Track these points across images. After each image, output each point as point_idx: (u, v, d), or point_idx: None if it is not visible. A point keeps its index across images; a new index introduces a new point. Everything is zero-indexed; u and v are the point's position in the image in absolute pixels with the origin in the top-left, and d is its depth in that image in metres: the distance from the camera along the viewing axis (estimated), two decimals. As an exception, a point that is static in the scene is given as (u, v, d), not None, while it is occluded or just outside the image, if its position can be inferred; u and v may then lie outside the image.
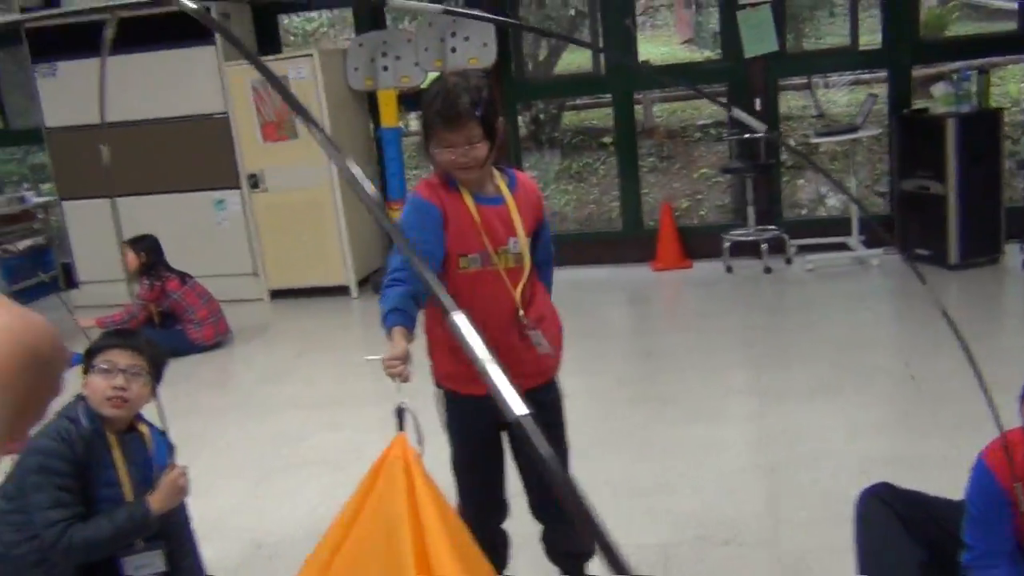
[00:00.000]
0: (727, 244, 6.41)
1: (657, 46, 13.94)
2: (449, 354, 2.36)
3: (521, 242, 2.33)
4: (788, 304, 5.71)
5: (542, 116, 11.50)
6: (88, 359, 2.50)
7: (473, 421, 2.39)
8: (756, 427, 3.86)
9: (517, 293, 2.33)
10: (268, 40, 7.04)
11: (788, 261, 6.36)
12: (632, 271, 6.67)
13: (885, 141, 7.04)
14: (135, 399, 2.46)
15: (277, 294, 6.85)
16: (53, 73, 6.78)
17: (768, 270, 6.22)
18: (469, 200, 2.29)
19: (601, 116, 11.58)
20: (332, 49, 6.87)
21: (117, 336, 2.60)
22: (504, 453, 2.49)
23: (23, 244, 7.56)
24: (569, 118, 12.07)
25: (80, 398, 2.50)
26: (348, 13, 7.70)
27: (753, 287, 6.08)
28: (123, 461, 2.48)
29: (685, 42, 14.20)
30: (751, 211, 6.41)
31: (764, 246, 6.29)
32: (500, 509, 2.57)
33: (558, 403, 2.53)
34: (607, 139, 11.49)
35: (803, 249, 6.36)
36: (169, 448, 2.64)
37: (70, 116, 6.84)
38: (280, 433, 4.33)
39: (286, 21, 9.68)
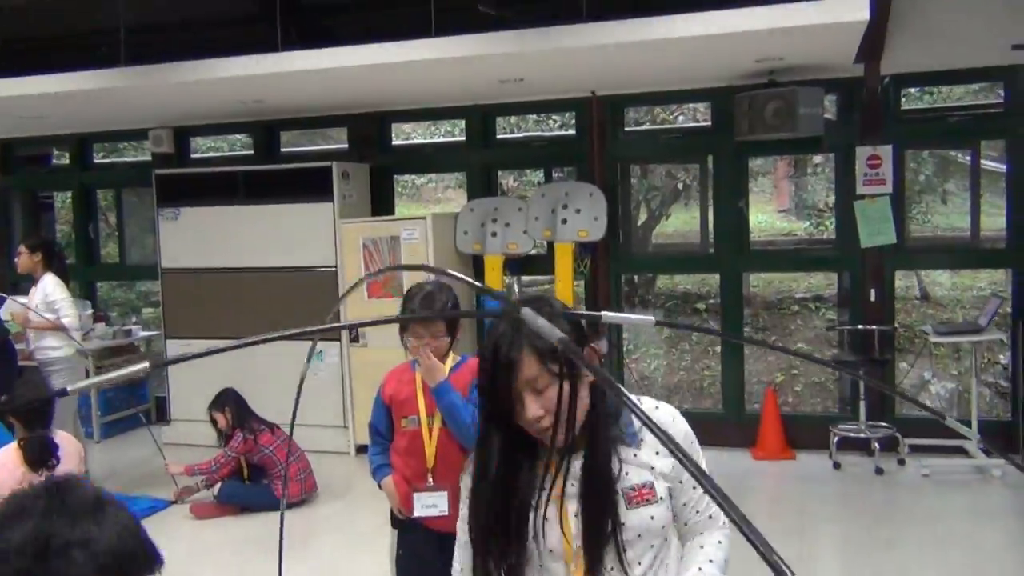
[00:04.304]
0: (835, 438, 6.11)
1: (754, 212, 13.92)
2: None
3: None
4: (903, 514, 5.32)
5: (636, 278, 11.46)
6: None
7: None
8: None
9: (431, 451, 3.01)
10: (383, 197, 7.22)
11: (901, 462, 6.00)
12: (731, 457, 6.38)
13: (1008, 343, 6.72)
14: None
15: (363, 448, 6.75)
16: (176, 217, 7.04)
17: (880, 471, 5.87)
18: (419, 376, 3.00)
19: (695, 281, 11.47)
20: (444, 213, 6.98)
21: None
22: None
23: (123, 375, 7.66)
24: (663, 282, 12.01)
25: None
26: (462, 175, 7.88)
27: (863, 489, 5.72)
28: None
29: (782, 211, 14.16)
30: (863, 405, 6.11)
31: (876, 445, 5.96)
32: None
33: None
34: (701, 305, 11.36)
35: (917, 450, 6.01)
36: None
37: (185, 259, 7.07)
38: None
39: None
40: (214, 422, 5.70)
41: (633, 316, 1.28)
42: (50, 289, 5.87)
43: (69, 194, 8.49)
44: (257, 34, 6.13)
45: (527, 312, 0.90)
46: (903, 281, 11.13)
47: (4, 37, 6.53)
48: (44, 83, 6.09)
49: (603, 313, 1.11)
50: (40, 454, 3.79)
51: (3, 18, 6.44)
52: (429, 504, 2.94)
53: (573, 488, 1.72)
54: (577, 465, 1.72)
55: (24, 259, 5.96)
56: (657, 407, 1.81)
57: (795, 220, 13.43)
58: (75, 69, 6.04)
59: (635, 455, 1.74)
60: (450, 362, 2.99)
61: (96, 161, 8.49)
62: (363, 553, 4.93)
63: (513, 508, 1.72)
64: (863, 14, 4.45)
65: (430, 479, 2.98)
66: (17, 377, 6.00)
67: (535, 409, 1.64)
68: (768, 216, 13.98)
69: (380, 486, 3.12)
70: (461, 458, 2.97)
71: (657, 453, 1.74)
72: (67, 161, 8.34)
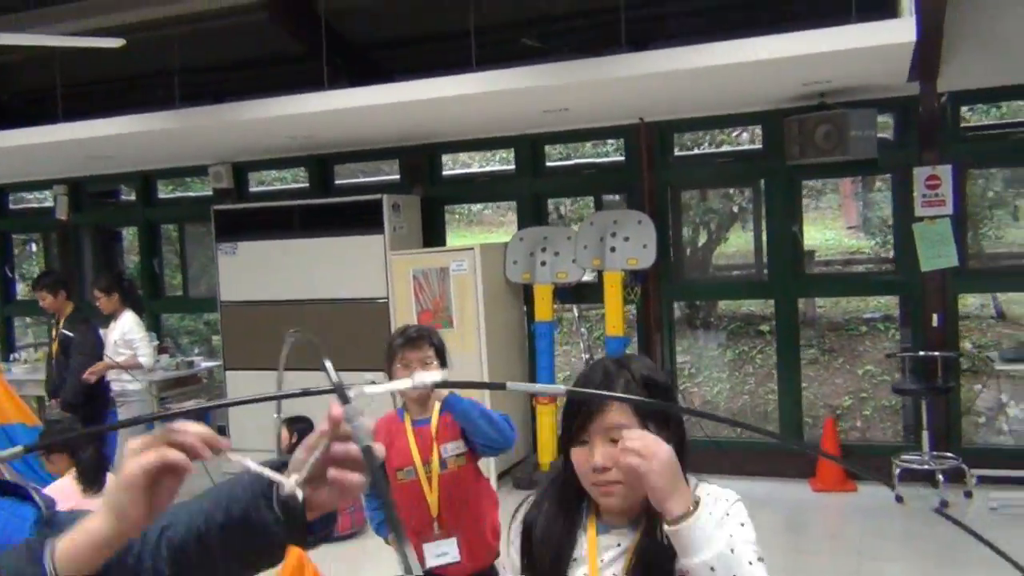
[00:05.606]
0: (898, 470, 5.89)
1: (821, 230, 13.62)
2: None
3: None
4: (969, 553, 5.08)
5: (698, 301, 11.31)
6: None
7: None
8: None
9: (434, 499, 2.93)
10: (435, 228, 7.27)
11: (968, 495, 5.76)
12: (790, 489, 6.21)
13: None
14: None
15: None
16: (234, 251, 7.21)
17: (945, 504, 5.63)
18: (409, 424, 2.99)
19: (759, 304, 11.27)
20: (493, 243, 7.00)
21: None
22: None
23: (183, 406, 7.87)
24: (726, 303, 11.82)
25: None
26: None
27: (928, 524, 5.49)
28: None
29: (851, 228, 13.82)
30: (926, 435, 5.89)
31: (940, 476, 5.73)
32: None
33: None
34: (765, 327, 11.13)
35: (985, 481, 5.76)
36: None
37: (243, 291, 7.23)
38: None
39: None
40: (279, 436, 5.79)
41: (539, 386, 1.27)
42: (128, 327, 6.20)
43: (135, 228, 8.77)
44: (306, 72, 6.26)
45: (351, 409, 0.91)
46: (978, 299, 10.74)
47: (66, 83, 6.80)
48: (108, 125, 6.31)
49: (508, 384, 1.14)
50: (95, 474, 3.91)
51: (64, 65, 6.70)
52: (440, 553, 2.88)
53: (614, 565, 1.62)
54: (621, 540, 1.63)
55: (103, 302, 6.29)
56: (708, 494, 1.58)
57: (863, 238, 13.11)
58: (135, 111, 6.26)
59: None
60: (437, 407, 2.95)
61: (161, 196, 8.76)
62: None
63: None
64: (910, 35, 4.32)
65: (436, 528, 2.92)
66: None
67: (603, 459, 1.56)
68: (836, 233, 13.66)
69: (387, 542, 3.07)
70: (469, 498, 2.94)
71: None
72: (133, 197, 8.63)
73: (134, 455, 0.96)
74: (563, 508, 1.68)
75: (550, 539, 1.66)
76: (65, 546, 0.98)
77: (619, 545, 1.62)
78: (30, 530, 1.29)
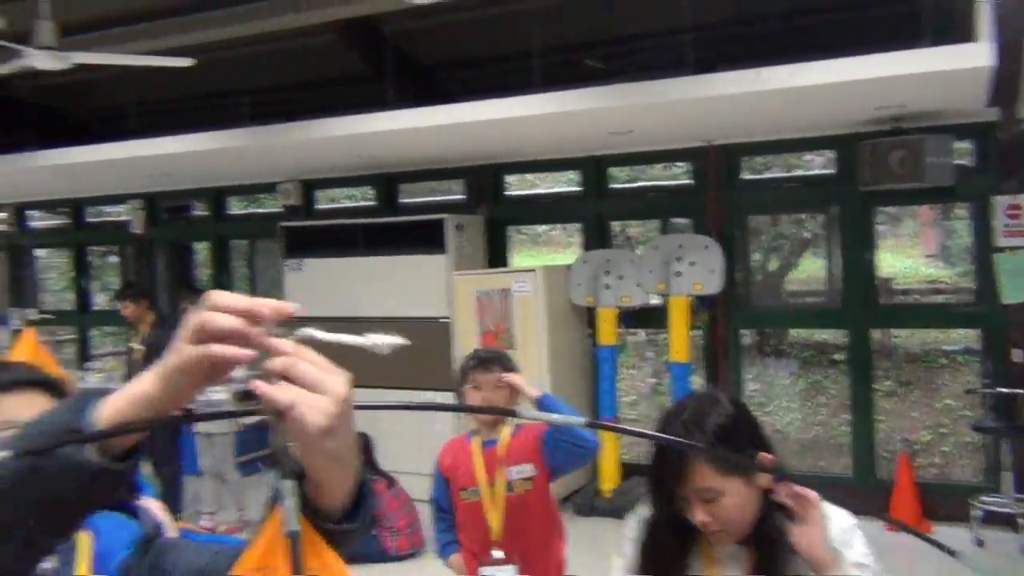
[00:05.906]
0: (978, 512, 5.60)
1: (900, 258, 13.19)
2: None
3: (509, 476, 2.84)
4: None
5: (768, 328, 11.03)
6: None
7: None
8: None
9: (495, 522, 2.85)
10: (498, 249, 7.24)
11: (1053, 541, 5.45)
12: (863, 526, 5.94)
13: None
14: None
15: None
16: (300, 268, 7.29)
17: (1025, 550, 5.34)
18: (476, 445, 2.92)
19: (832, 332, 10.94)
20: (556, 265, 6.93)
21: None
22: None
23: (253, 419, 7.95)
24: (797, 330, 11.50)
25: None
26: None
27: (1009, 568, 5.21)
28: None
29: (929, 256, 13.37)
30: (1007, 477, 5.60)
31: (1021, 521, 5.43)
32: None
33: None
34: (839, 356, 10.79)
35: (1072, 527, 5.44)
36: None
37: (308, 308, 7.26)
38: None
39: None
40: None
41: (556, 417, 1.27)
42: None
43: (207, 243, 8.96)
44: (372, 92, 6.31)
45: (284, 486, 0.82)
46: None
47: (140, 100, 6.99)
48: (180, 142, 6.46)
49: (519, 410, 1.14)
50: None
51: (139, 83, 6.89)
52: None
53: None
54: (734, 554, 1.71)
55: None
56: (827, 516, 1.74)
57: (943, 267, 12.65)
58: (206, 128, 6.39)
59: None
60: (508, 429, 2.91)
61: (232, 212, 8.93)
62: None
63: None
64: (985, 59, 4.13)
65: (496, 552, 2.82)
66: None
67: (703, 516, 1.64)
68: (914, 261, 13.21)
69: (447, 564, 3.01)
70: (535, 526, 2.86)
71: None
72: (206, 212, 8.82)
73: (188, 336, 0.88)
74: (676, 527, 1.74)
75: (666, 548, 1.76)
76: (110, 401, 0.94)
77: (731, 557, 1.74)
78: (128, 547, 1.28)
